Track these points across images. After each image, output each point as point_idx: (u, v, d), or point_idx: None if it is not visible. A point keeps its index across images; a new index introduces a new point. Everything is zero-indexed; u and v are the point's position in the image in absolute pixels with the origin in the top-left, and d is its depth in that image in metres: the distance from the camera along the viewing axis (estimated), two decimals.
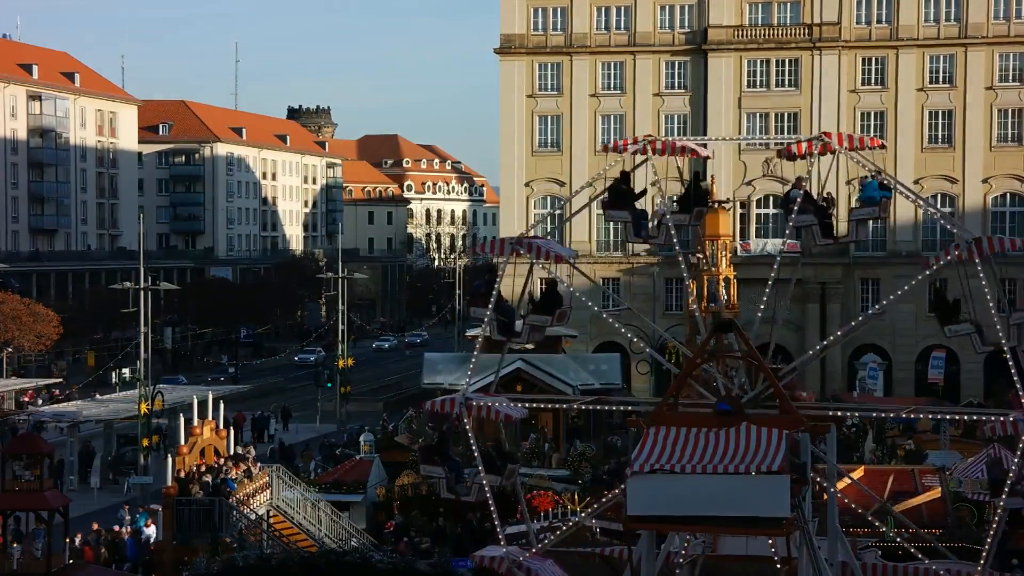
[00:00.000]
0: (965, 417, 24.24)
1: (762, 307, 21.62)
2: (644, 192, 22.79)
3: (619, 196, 21.98)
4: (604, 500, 22.00)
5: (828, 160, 21.43)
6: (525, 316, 21.56)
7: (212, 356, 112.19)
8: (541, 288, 22.20)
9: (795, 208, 20.96)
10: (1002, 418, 19.67)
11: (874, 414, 38.31)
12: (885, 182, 21.34)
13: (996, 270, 20.62)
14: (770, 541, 19.76)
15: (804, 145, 21.28)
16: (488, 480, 20.78)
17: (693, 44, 78.95)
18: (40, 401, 73.35)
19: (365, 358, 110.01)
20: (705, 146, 22.88)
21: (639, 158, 21.93)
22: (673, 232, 21.72)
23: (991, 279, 20.01)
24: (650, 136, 22.13)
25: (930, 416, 53.09)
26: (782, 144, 21.90)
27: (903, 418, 53.81)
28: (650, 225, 22.23)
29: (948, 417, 34.98)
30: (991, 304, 19.95)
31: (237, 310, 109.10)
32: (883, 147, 21.89)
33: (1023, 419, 19.40)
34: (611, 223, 71.47)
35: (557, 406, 34.00)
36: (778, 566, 19.72)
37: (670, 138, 22.27)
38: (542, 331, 21.64)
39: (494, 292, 21.24)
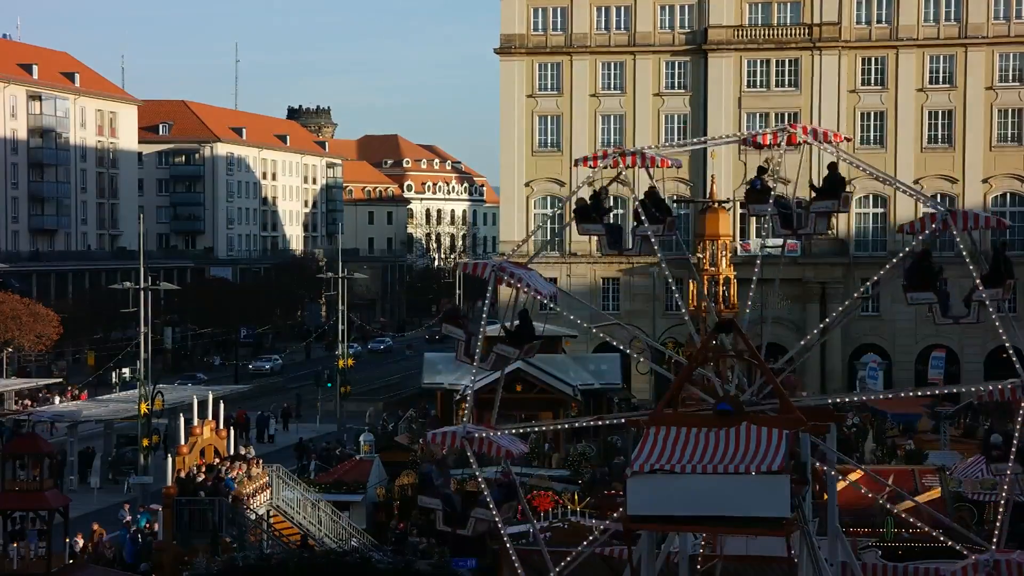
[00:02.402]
0: (964, 390, 24.00)
1: (749, 307, 21.72)
2: (609, 209, 22.82)
3: (584, 213, 22.14)
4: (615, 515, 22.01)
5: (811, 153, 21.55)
6: (496, 344, 21.65)
7: (210, 357, 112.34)
8: (519, 315, 22.16)
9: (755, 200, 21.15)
10: (1000, 385, 19.73)
11: (873, 396, 38.04)
12: (841, 173, 21.37)
13: (974, 243, 20.64)
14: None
15: (769, 136, 21.33)
16: (483, 515, 20.85)
17: (693, 44, 78.99)
18: (32, 402, 73.38)
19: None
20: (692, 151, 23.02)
21: (610, 172, 22.08)
22: (655, 243, 21.78)
23: (968, 250, 20.08)
24: (619, 148, 22.22)
25: (930, 414, 53.32)
26: (748, 137, 21.89)
27: (903, 415, 54.11)
28: (628, 237, 22.36)
29: (949, 404, 34.79)
30: (974, 276, 20.04)
31: (237, 310, 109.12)
32: (848, 140, 21.97)
33: (1022, 385, 19.46)
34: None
35: (557, 427, 33.97)
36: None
37: (643, 148, 22.28)
38: (508, 362, 21.72)
39: (483, 315, 21.42)
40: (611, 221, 22.45)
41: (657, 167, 21.77)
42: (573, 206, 22.44)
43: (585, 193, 22.49)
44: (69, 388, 79.89)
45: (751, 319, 21.93)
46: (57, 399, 73.35)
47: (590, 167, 22.10)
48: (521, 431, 21.93)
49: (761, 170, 21.50)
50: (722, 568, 22.67)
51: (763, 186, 21.28)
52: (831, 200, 21.10)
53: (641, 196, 22.27)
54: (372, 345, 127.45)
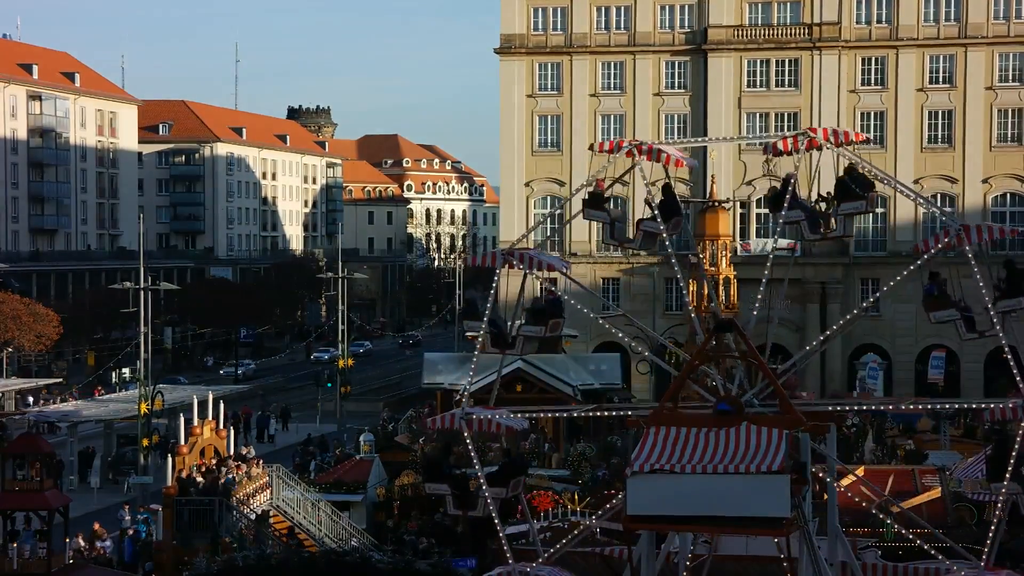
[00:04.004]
0: (964, 405, 24.18)
1: (756, 307, 21.68)
2: (609, 199, 22.84)
3: (596, 199, 22.18)
4: (608, 506, 22.00)
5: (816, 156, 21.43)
6: (519, 327, 21.67)
7: (215, 356, 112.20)
8: (542, 295, 22.23)
9: (784, 205, 21.07)
10: (1001, 405, 19.75)
11: (873, 408, 38.13)
12: (865, 173, 21.29)
13: (987, 257, 20.63)
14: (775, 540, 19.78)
15: (790, 141, 21.30)
16: (493, 493, 20.83)
17: (693, 44, 78.96)
18: (31, 399, 73.42)
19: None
20: (707, 149, 23.01)
21: (626, 161, 22.04)
22: (660, 240, 21.79)
23: (981, 266, 20.04)
24: (637, 141, 22.19)
25: (930, 413, 53.26)
26: (767, 142, 21.87)
27: (903, 415, 54.04)
28: (629, 230, 22.37)
29: (948, 407, 34.82)
30: (984, 293, 20.02)
31: (237, 310, 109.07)
32: (868, 141, 21.85)
33: (1023, 404, 19.46)
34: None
35: (557, 415, 33.94)
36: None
37: (659, 144, 22.25)
38: (535, 342, 21.78)
39: (488, 304, 21.39)
40: (616, 211, 22.46)
41: (672, 165, 21.74)
42: (584, 194, 22.42)
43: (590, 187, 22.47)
44: (96, 388, 79.64)
45: (754, 319, 21.88)
46: (73, 402, 73.03)
47: (605, 152, 22.11)
48: (520, 415, 21.86)
49: (789, 177, 21.36)
50: (721, 568, 22.68)
51: (793, 191, 21.17)
52: (859, 201, 21.00)
53: (655, 190, 22.24)
54: (352, 348, 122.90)
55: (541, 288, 21.99)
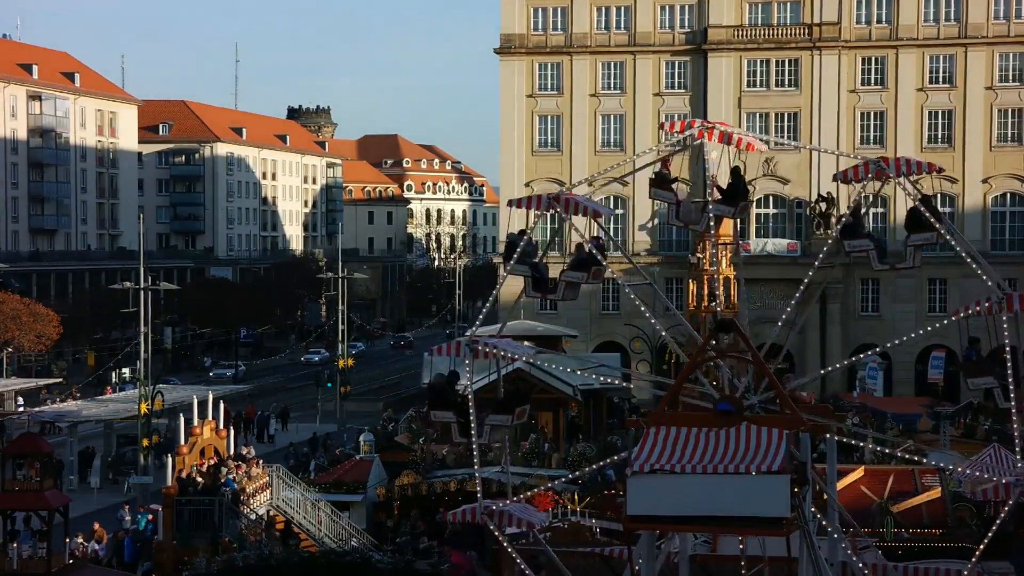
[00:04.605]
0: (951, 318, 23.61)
1: (760, 307, 21.71)
2: (676, 179, 22.74)
3: (663, 179, 22.17)
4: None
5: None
6: (561, 272, 21.76)
7: (212, 356, 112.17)
8: (587, 243, 22.15)
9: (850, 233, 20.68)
10: (982, 303, 19.66)
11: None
12: (929, 210, 20.75)
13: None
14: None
15: (860, 170, 20.86)
16: (498, 421, 20.94)
17: (693, 44, 78.98)
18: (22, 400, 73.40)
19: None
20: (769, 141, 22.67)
21: (692, 142, 22.01)
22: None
23: (1015, 334, 19.79)
24: (705, 121, 22.06)
25: (930, 413, 53.25)
26: (839, 173, 21.45)
27: (903, 415, 54.04)
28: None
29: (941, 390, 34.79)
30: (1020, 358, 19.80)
31: (237, 310, 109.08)
32: (940, 171, 21.47)
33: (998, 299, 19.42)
34: (610, 224, 71.40)
35: (560, 400, 33.94)
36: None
37: (727, 128, 22.10)
38: (577, 288, 21.90)
39: (527, 246, 21.45)
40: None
41: (743, 149, 21.69)
42: (650, 173, 22.34)
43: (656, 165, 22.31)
44: (108, 387, 79.71)
45: (751, 319, 21.92)
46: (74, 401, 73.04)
47: (676, 133, 21.98)
48: (525, 343, 21.90)
49: (857, 207, 21.14)
50: (721, 568, 22.69)
51: (858, 220, 20.93)
52: (929, 232, 20.70)
53: (583, 240, 22.22)
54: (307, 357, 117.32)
55: (584, 238, 21.95)
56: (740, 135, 21.72)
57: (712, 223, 21.96)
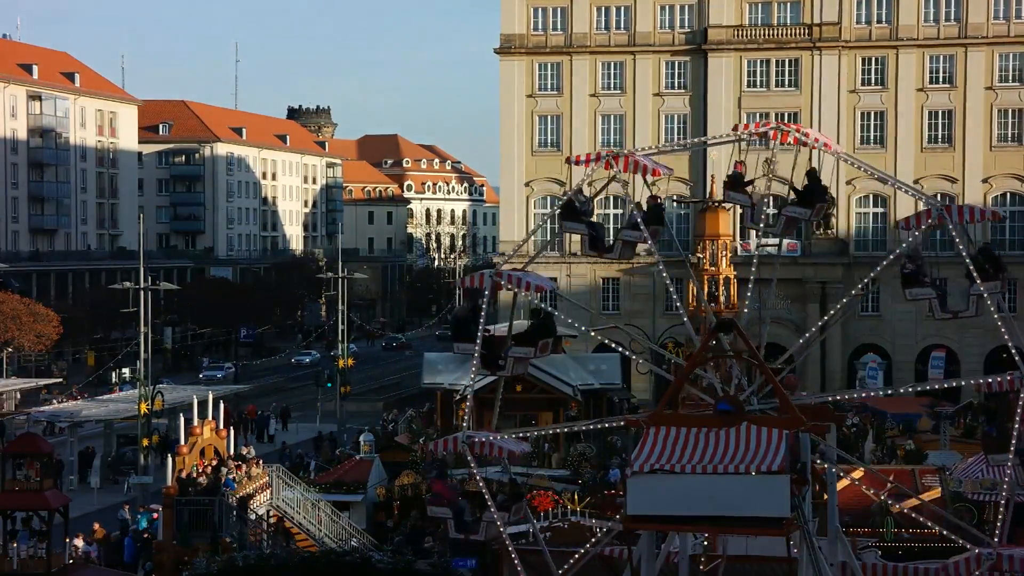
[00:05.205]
0: (962, 383, 23.86)
1: (748, 306, 21.75)
2: (750, 182, 22.84)
3: (736, 182, 22.26)
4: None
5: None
6: (620, 231, 21.86)
7: (212, 357, 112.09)
8: (649, 201, 22.13)
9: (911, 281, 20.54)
10: (999, 378, 19.76)
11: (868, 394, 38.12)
12: (990, 259, 20.54)
13: (970, 236, 20.51)
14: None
15: (924, 218, 20.67)
16: (521, 353, 21.04)
17: (693, 44, 78.97)
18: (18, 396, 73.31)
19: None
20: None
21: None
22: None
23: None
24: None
25: (930, 413, 53.28)
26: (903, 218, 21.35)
27: (903, 415, 54.07)
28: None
29: (948, 384, 34.81)
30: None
31: (237, 310, 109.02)
32: (1001, 219, 21.63)
33: (1021, 377, 19.48)
34: (609, 225, 71.28)
35: (558, 431, 33.99)
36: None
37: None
38: (633, 247, 21.95)
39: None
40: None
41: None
42: (723, 177, 22.52)
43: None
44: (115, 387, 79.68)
45: (749, 319, 21.93)
46: (74, 401, 72.94)
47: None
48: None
49: (917, 250, 21.05)
50: (724, 568, 22.67)
51: (921, 267, 20.77)
52: (994, 282, 20.47)
53: (640, 200, 22.23)
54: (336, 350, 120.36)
55: (648, 198, 21.94)
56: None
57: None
